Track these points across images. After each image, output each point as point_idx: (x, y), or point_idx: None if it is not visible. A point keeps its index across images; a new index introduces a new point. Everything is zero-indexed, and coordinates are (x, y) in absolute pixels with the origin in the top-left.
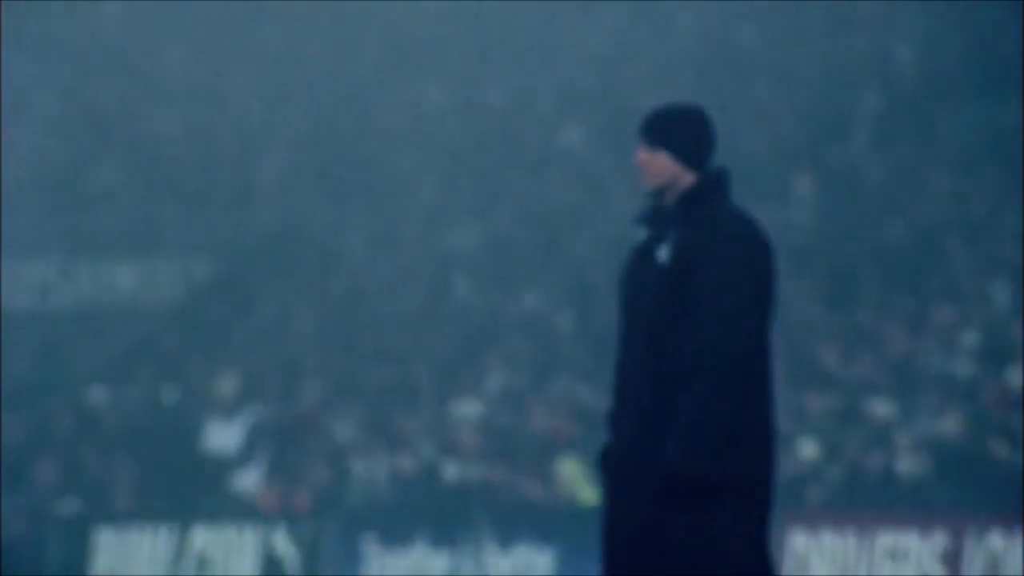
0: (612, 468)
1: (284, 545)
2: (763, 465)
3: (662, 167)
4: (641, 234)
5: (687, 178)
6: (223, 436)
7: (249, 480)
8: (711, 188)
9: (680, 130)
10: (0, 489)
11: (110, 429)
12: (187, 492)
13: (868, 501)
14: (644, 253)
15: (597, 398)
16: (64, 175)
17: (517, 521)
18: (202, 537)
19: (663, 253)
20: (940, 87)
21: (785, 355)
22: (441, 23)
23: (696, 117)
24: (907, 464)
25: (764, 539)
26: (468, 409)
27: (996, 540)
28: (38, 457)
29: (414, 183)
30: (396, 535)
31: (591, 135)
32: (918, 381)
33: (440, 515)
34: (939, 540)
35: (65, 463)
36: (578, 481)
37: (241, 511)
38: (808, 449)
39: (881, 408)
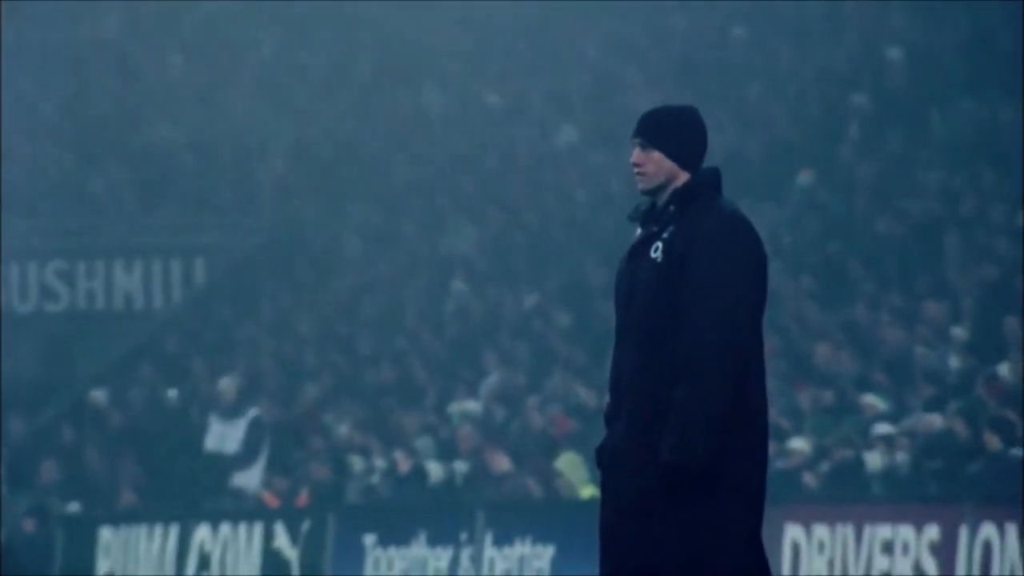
0: (608, 463)
1: (285, 543)
2: (756, 458)
3: (657, 167)
4: (636, 233)
5: (681, 177)
6: (224, 436)
7: (250, 479)
8: (704, 187)
9: (674, 131)
10: (1, 488)
11: (113, 430)
12: (189, 491)
13: (861, 495)
14: (639, 251)
15: (594, 396)
16: (65, 180)
17: (516, 518)
18: (204, 535)
19: (657, 251)
20: (931, 86)
21: (778, 352)
22: (438, 28)
23: (689, 118)
24: (900, 458)
25: (757, 531)
26: (466, 407)
27: (990, 533)
28: (42, 457)
29: (412, 185)
30: (395, 532)
31: (586, 136)
32: (910, 376)
33: (438, 512)
34: (933, 533)
35: (69, 463)
36: (577, 477)
37: (243, 509)
38: (801, 444)
39: (873, 403)
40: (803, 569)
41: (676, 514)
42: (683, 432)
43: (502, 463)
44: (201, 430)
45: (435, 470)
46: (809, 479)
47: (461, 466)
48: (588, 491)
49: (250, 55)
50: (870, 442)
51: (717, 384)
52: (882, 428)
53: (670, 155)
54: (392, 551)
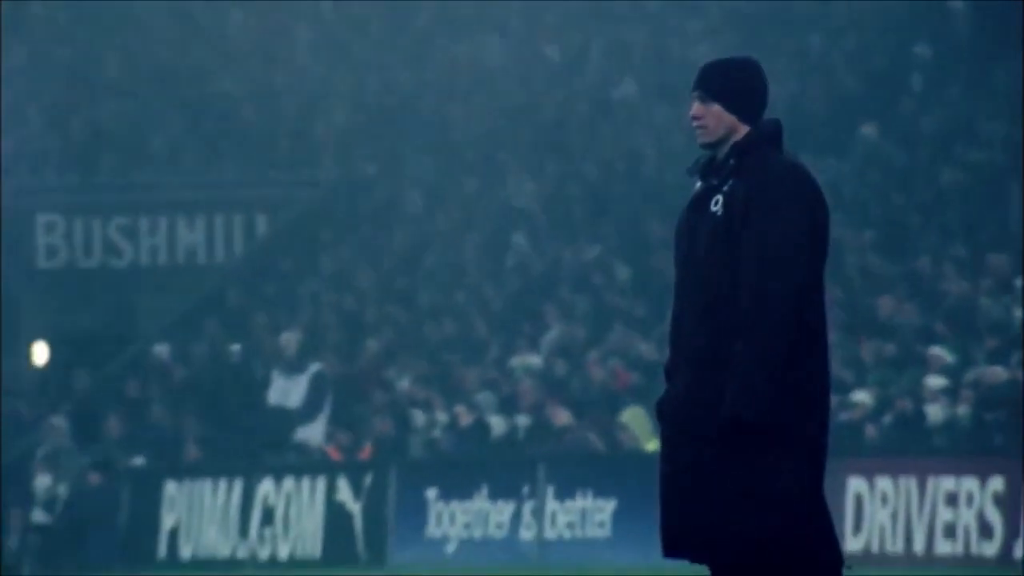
0: (668, 417)
1: (348, 496)
2: (818, 412)
3: (716, 120)
4: (696, 186)
5: (741, 130)
6: (287, 390)
7: (313, 433)
8: (764, 139)
9: (733, 83)
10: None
11: (176, 384)
12: (252, 445)
13: (925, 447)
14: (699, 204)
15: (654, 350)
16: (129, 134)
17: (577, 471)
18: (268, 489)
19: (718, 204)
20: (993, 36)
21: (841, 304)
22: None
23: (749, 70)
24: (962, 410)
25: (819, 485)
26: (527, 362)
27: None
28: (107, 411)
29: (471, 139)
30: (457, 486)
31: (646, 89)
32: (974, 327)
33: (500, 466)
34: (997, 484)
35: (133, 417)
36: (642, 430)
37: (306, 463)
38: (864, 397)
39: (940, 354)
40: (866, 521)
41: (736, 469)
42: (743, 387)
43: (563, 417)
44: (264, 384)
45: (497, 424)
46: (871, 431)
47: (522, 420)
48: (653, 445)
49: (309, 8)
50: (931, 394)
51: (777, 339)
52: (936, 381)
53: (730, 108)
54: (454, 504)
